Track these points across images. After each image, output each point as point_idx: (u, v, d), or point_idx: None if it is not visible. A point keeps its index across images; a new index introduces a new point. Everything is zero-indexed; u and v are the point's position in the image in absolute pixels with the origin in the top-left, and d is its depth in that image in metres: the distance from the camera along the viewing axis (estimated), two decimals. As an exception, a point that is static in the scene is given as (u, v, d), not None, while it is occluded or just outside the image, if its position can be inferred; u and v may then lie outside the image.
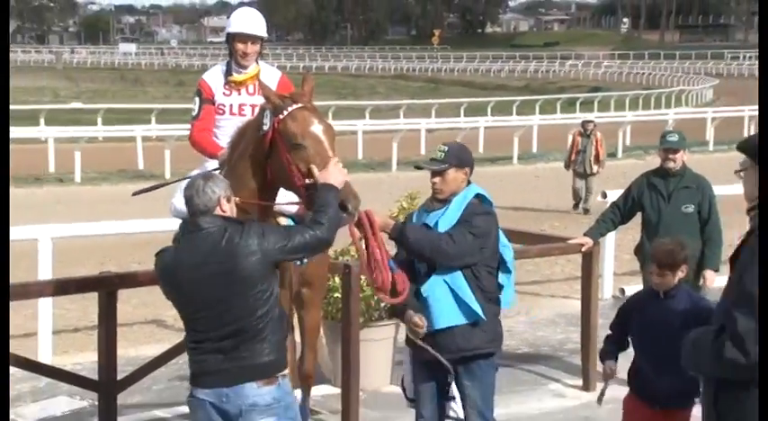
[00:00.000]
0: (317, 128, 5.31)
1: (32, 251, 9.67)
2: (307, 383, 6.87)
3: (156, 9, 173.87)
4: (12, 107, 32.37)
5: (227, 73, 6.71)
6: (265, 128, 5.38)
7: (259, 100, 6.37)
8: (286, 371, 5.20)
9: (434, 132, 30.77)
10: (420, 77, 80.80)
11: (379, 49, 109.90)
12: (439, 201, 5.80)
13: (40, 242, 9.60)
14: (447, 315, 5.67)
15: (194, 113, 6.71)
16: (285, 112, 5.33)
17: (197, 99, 6.71)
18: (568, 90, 56.24)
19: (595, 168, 20.13)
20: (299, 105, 5.37)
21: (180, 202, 6.02)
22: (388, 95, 55.03)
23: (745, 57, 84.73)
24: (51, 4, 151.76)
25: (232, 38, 6.67)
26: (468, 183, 5.86)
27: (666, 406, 5.85)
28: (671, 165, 8.60)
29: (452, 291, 5.67)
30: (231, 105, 6.67)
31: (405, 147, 28.75)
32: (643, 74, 72.69)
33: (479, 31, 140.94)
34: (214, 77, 6.74)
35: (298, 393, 6.43)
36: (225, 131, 6.49)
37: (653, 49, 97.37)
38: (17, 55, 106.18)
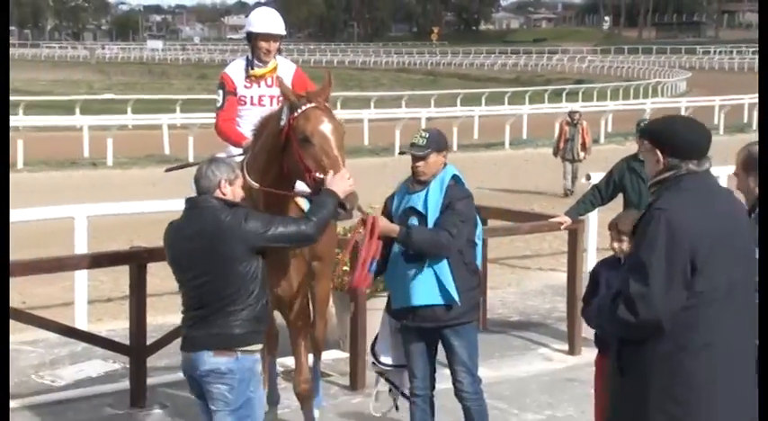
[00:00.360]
0: (325, 126, 5.35)
1: (69, 228, 9.76)
2: (317, 348, 6.89)
3: (181, 8, 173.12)
4: (50, 98, 32.85)
5: (248, 67, 6.70)
6: (282, 123, 5.45)
7: (277, 91, 6.44)
8: (253, 348, 5.21)
9: (433, 120, 30.74)
10: (420, 71, 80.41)
11: (383, 45, 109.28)
12: (420, 182, 5.83)
13: (77, 220, 9.67)
14: (428, 295, 5.74)
15: (219, 104, 6.71)
16: (299, 111, 5.39)
17: (221, 91, 6.71)
18: (555, 82, 56.06)
19: (582, 155, 20.19)
20: (313, 105, 5.42)
21: None
22: (391, 87, 54.90)
23: (715, 52, 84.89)
24: (86, 5, 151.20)
25: (254, 36, 6.65)
26: (444, 164, 5.90)
27: None
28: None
29: (436, 275, 5.74)
30: (252, 97, 6.68)
31: (406, 133, 28.52)
32: (623, 67, 72.52)
33: (474, 28, 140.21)
34: (236, 71, 6.74)
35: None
36: (247, 120, 6.53)
37: (632, 45, 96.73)
38: (55, 51, 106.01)
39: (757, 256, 4.28)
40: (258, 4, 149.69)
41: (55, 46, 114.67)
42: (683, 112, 35.30)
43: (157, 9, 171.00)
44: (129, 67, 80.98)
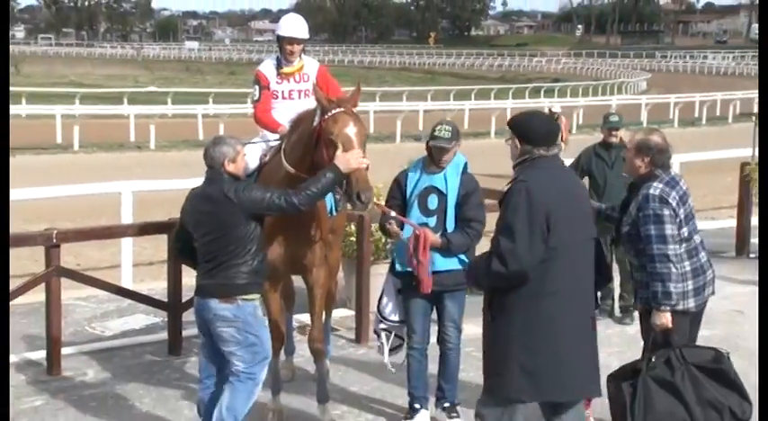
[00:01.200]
0: (350, 129, 5.34)
1: (117, 202, 9.74)
2: (329, 307, 6.82)
3: (214, 14, 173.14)
4: (101, 90, 32.67)
5: (278, 66, 6.61)
6: (315, 123, 5.46)
7: (304, 87, 6.52)
8: (252, 297, 5.30)
9: (430, 112, 30.75)
10: (419, 70, 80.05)
11: (387, 47, 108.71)
12: (438, 166, 5.82)
13: (123, 195, 9.67)
14: (454, 262, 5.77)
15: (255, 97, 6.63)
16: (329, 114, 5.39)
17: (256, 86, 6.62)
18: (535, 81, 55.77)
19: (563, 146, 20.09)
20: (341, 109, 5.41)
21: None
22: (394, 83, 54.76)
23: (671, 56, 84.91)
24: (133, 11, 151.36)
25: (282, 39, 6.57)
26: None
27: None
28: (613, 139, 8.65)
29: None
30: (282, 91, 6.58)
31: (406, 124, 28.81)
32: (593, 69, 72.25)
33: (466, 33, 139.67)
34: (268, 69, 6.63)
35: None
36: (279, 112, 6.47)
37: (600, 50, 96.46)
38: (106, 50, 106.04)
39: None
40: (281, 11, 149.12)
41: (106, 46, 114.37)
42: (643, 108, 35.39)
43: (194, 14, 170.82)
44: (169, 64, 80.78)
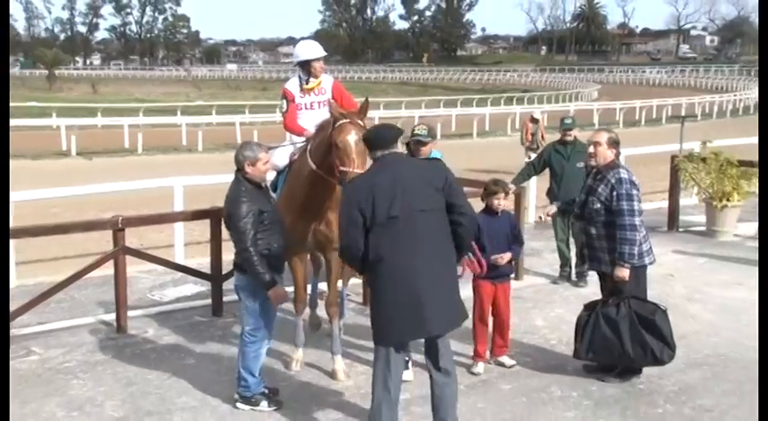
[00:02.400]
0: (351, 137, 5.24)
1: (170, 195, 9.67)
2: (344, 277, 6.76)
3: (250, 41, 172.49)
4: (160, 104, 32.54)
5: (301, 83, 6.50)
6: (329, 131, 5.41)
7: (322, 98, 6.43)
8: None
9: (424, 117, 30.62)
10: (415, 84, 79.60)
11: (389, 66, 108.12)
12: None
13: (175, 188, 9.61)
14: None
15: (283, 110, 6.52)
16: (338, 123, 5.33)
17: (284, 101, 6.52)
18: (508, 91, 55.40)
19: (543, 144, 19.87)
20: (347, 120, 5.34)
21: (277, 160, 6.26)
22: (395, 95, 54.21)
23: (617, 70, 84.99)
24: (185, 40, 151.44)
25: (308, 62, 6.42)
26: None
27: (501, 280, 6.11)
28: (568, 138, 8.58)
29: None
30: (305, 104, 6.48)
31: (405, 127, 28.60)
32: (554, 81, 71.88)
33: (453, 54, 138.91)
34: (293, 86, 6.53)
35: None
36: (303, 120, 6.38)
37: (561, 66, 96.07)
38: (164, 72, 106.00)
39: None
40: (303, 38, 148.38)
41: (164, 69, 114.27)
42: (595, 113, 35.23)
43: (233, 42, 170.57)
44: (213, 83, 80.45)
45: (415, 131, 5.75)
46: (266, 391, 5.44)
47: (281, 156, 6.38)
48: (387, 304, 4.53)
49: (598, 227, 5.70)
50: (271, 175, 6.16)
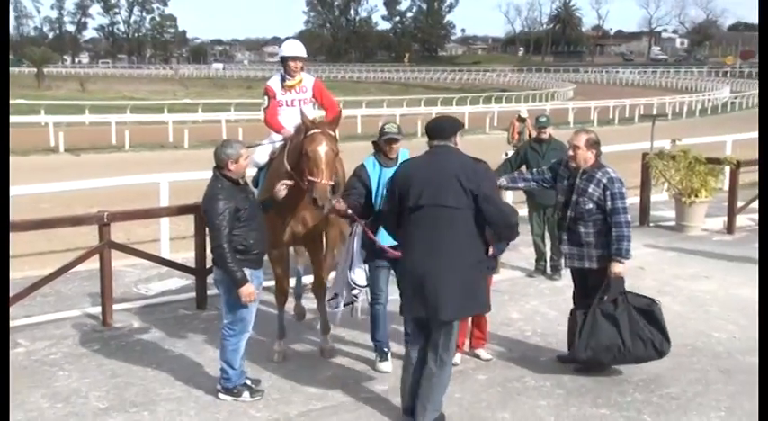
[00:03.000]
0: (321, 148, 5.25)
1: (157, 190, 9.61)
2: (327, 270, 6.57)
3: (235, 41, 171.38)
4: (147, 102, 32.24)
5: (283, 80, 6.53)
6: (301, 137, 5.42)
7: (302, 96, 6.48)
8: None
9: (405, 116, 30.62)
10: (397, 83, 79.51)
11: (371, 66, 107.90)
12: (391, 159, 5.59)
13: (161, 184, 9.55)
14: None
15: (265, 106, 6.54)
16: (309, 133, 5.32)
17: (266, 97, 6.54)
18: (487, 91, 55.53)
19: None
20: (318, 130, 5.33)
21: (257, 157, 6.33)
22: (377, 94, 54.32)
23: (591, 71, 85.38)
24: (172, 40, 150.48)
25: (286, 59, 6.51)
26: None
27: None
28: (543, 136, 8.58)
29: None
30: (286, 101, 6.50)
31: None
32: (531, 81, 72.03)
33: (433, 54, 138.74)
34: (275, 83, 6.56)
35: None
36: (283, 116, 6.39)
37: (537, 66, 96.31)
38: (151, 71, 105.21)
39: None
40: (288, 38, 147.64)
41: (151, 68, 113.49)
42: (570, 111, 35.34)
43: (219, 42, 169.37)
44: (200, 81, 79.99)
45: (386, 129, 5.64)
46: (248, 382, 5.41)
47: (262, 154, 6.44)
48: (400, 280, 4.94)
49: (589, 225, 5.61)
50: (252, 172, 6.14)
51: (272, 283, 6.42)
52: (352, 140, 22.80)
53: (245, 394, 5.32)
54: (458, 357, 5.99)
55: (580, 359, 5.60)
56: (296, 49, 6.52)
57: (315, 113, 6.39)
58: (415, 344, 4.90)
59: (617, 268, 5.53)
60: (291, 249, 6.37)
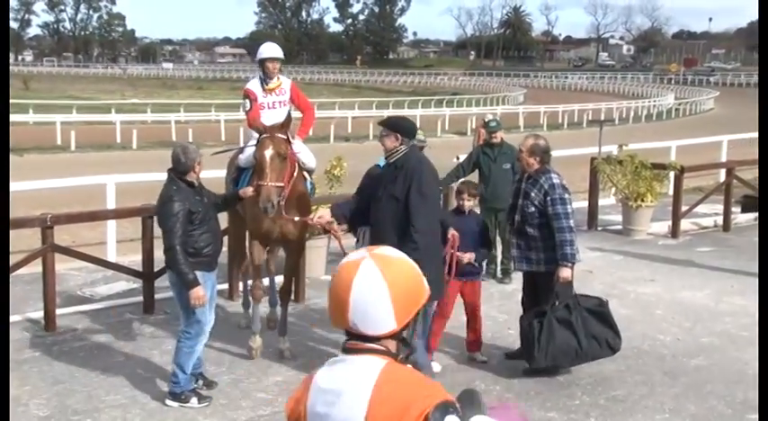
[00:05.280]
0: (267, 152, 5.49)
1: (103, 192, 9.43)
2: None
3: (186, 41, 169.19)
4: (94, 102, 31.59)
5: (263, 83, 6.62)
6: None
7: (282, 98, 6.64)
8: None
9: (357, 119, 30.58)
10: (348, 85, 79.37)
11: (323, 68, 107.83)
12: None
13: (108, 185, 9.38)
14: None
15: (247, 109, 6.57)
16: (260, 138, 5.60)
17: (246, 100, 6.58)
18: (439, 94, 55.81)
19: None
20: (266, 136, 5.57)
21: (242, 159, 6.40)
22: (329, 96, 54.16)
23: (541, 76, 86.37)
24: (120, 39, 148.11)
25: (264, 61, 6.58)
26: None
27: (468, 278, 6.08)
28: (494, 140, 8.65)
29: None
30: (267, 103, 6.60)
31: (339, 127, 28.56)
32: (482, 85, 72.44)
33: (385, 57, 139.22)
34: (255, 86, 6.63)
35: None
36: (264, 118, 6.37)
37: (488, 70, 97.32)
38: (99, 70, 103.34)
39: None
40: (239, 39, 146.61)
41: (99, 67, 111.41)
42: (520, 116, 35.73)
43: (169, 41, 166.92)
44: (149, 81, 78.79)
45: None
46: (197, 387, 5.33)
47: (249, 155, 6.40)
48: None
49: (533, 228, 5.73)
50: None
51: (225, 287, 6.36)
52: (304, 141, 22.72)
53: (193, 400, 5.24)
54: (437, 366, 5.89)
55: (541, 367, 5.64)
56: (273, 50, 6.67)
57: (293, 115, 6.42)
58: (421, 326, 4.88)
59: (564, 273, 5.61)
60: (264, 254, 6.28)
